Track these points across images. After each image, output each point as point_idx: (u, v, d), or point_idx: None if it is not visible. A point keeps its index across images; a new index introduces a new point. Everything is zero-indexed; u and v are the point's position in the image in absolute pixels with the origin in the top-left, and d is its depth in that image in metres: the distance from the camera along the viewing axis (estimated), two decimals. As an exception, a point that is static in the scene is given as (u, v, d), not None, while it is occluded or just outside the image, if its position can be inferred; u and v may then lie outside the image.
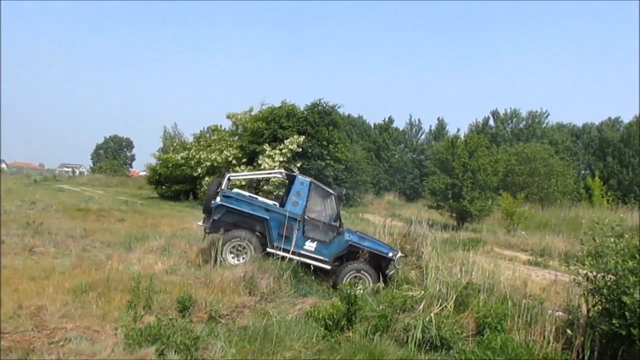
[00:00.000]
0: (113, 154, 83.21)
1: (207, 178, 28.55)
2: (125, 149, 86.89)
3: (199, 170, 28.76)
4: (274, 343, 5.82)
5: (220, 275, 8.61)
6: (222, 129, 31.70)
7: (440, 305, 7.38)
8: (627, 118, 50.12)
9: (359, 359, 5.69)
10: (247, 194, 10.49)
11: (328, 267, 9.92)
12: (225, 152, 28.15)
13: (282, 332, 6.18)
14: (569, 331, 6.33)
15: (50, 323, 5.73)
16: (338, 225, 10.05)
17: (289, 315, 7.39)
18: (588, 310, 6.60)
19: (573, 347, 6.15)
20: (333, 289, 9.22)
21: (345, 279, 9.62)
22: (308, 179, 10.35)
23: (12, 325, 5.53)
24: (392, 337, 6.87)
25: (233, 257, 9.60)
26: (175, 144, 36.89)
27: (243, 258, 9.57)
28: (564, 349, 6.09)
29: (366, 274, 9.81)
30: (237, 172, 27.21)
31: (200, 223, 10.44)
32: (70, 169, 79.87)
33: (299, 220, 9.83)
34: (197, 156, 28.91)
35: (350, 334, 6.92)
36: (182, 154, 30.30)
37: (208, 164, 28.38)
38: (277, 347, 5.76)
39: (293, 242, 9.72)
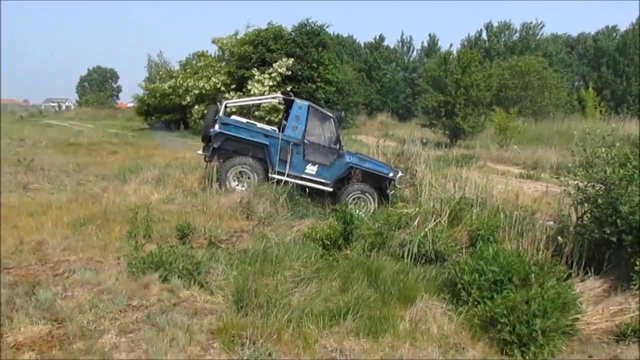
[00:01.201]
0: (98, 86, 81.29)
1: (196, 106, 28.10)
2: (110, 80, 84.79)
3: (188, 98, 28.23)
4: (274, 264, 5.98)
5: (217, 202, 8.69)
6: (209, 54, 30.80)
7: (435, 220, 7.54)
8: (624, 26, 48.96)
9: (357, 275, 5.87)
10: (245, 120, 10.37)
11: (330, 189, 10.02)
12: (213, 78, 27.52)
13: (281, 253, 6.33)
14: (559, 238, 6.52)
15: (52, 256, 5.84)
16: (338, 147, 10.05)
17: (287, 237, 7.54)
18: (577, 219, 6.77)
19: (562, 254, 6.36)
20: (333, 211, 9.35)
21: (346, 200, 9.76)
22: (306, 103, 10.23)
23: (15, 261, 5.64)
24: (389, 253, 7.09)
25: (236, 184, 9.65)
26: (161, 73, 35.87)
27: (246, 184, 9.63)
28: (554, 256, 6.30)
29: (367, 194, 9.94)
30: (227, 99, 26.79)
31: (200, 152, 10.39)
32: (56, 104, 78.00)
33: (299, 145, 9.83)
34: (185, 84, 28.25)
35: (348, 251, 7.12)
36: (169, 83, 29.55)
37: (196, 91, 27.82)
38: (278, 268, 5.92)
39: (289, 166, 9.73)
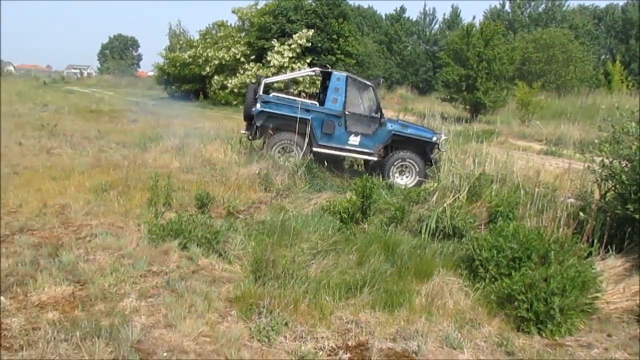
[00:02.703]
0: (119, 53, 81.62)
1: (216, 77, 28.07)
2: (130, 49, 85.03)
3: (208, 68, 28.21)
4: (291, 236, 5.99)
5: (236, 173, 8.73)
6: (229, 25, 30.58)
7: (453, 196, 7.47)
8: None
9: (374, 248, 5.86)
10: (284, 96, 10.34)
11: (375, 158, 10.06)
12: (232, 49, 27.41)
13: (299, 225, 6.33)
14: (581, 214, 6.40)
15: (75, 220, 5.96)
16: (379, 116, 10.00)
17: (304, 209, 7.55)
18: (601, 196, 6.64)
19: (583, 232, 6.26)
20: (383, 180, 9.35)
21: (392, 169, 9.83)
22: (344, 74, 10.15)
23: (39, 223, 5.77)
24: (406, 228, 7.03)
25: (282, 160, 9.58)
26: (181, 42, 35.80)
27: (291, 158, 9.60)
28: (575, 234, 6.19)
29: (412, 161, 9.94)
30: (246, 69, 26.71)
31: (243, 131, 10.44)
32: (77, 71, 78.46)
33: (341, 117, 9.79)
34: (205, 54, 28.20)
35: (366, 226, 7.10)
36: (189, 53, 29.52)
37: (216, 62, 27.76)
38: (295, 240, 5.93)
39: (332, 139, 9.80)
